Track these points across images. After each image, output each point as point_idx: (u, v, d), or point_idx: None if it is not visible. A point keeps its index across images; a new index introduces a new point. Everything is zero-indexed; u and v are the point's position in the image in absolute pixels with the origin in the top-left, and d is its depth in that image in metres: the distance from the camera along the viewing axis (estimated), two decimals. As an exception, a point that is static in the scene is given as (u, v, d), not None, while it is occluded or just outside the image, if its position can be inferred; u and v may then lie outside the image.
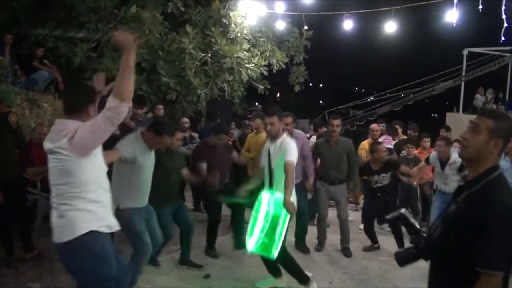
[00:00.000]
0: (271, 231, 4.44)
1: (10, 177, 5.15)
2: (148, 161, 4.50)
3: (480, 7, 7.38)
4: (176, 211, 5.38)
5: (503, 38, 9.11)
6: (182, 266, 5.52)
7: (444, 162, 6.25)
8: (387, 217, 2.42)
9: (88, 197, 2.96)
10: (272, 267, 4.90)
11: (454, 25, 8.06)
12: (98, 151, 3.02)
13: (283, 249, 4.61)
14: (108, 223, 3.09)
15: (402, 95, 14.85)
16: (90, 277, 2.99)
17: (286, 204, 4.39)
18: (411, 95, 14.43)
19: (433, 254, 2.17)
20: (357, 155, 7.24)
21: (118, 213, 4.27)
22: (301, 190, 5.68)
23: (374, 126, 8.00)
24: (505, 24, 7.76)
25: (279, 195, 4.55)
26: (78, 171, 2.88)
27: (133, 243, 4.40)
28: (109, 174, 3.77)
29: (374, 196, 6.42)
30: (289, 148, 4.64)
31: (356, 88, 40.81)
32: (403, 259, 2.28)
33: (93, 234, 2.94)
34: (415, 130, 8.84)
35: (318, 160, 6.54)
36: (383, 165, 6.30)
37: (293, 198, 4.60)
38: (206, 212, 6.65)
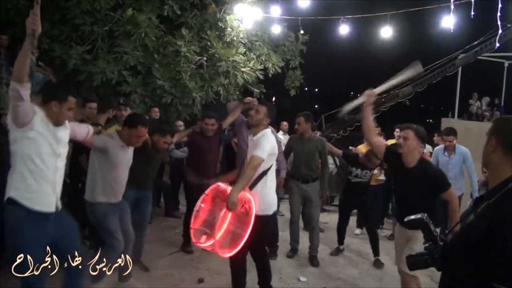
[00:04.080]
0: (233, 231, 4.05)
1: (3, 179, 5.09)
2: (123, 157, 4.48)
3: (473, 13, 7.42)
4: (138, 200, 5.25)
5: (497, 44, 9.14)
6: (174, 271, 5.49)
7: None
8: (406, 219, 2.35)
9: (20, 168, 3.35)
10: None
11: (452, 30, 8.09)
12: (46, 132, 3.37)
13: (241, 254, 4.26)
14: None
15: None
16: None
17: (230, 197, 3.87)
18: (383, 99, 14.46)
19: (447, 264, 2.08)
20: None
21: (91, 208, 4.40)
22: None
23: None
24: (500, 30, 7.80)
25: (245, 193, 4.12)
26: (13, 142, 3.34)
27: (105, 238, 4.36)
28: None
29: (351, 192, 6.42)
30: (261, 143, 4.25)
31: (352, 93, 40.84)
32: (414, 263, 2.19)
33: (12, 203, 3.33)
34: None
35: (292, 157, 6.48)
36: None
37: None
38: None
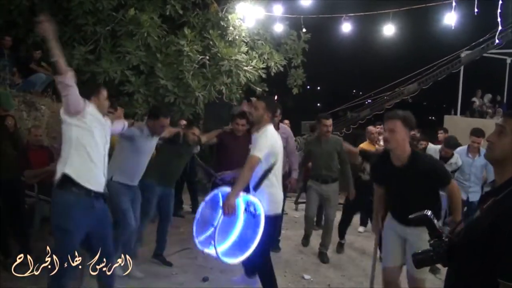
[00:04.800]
0: (244, 238, 4.01)
1: (8, 180, 5.13)
2: (147, 146, 4.99)
3: (476, 10, 7.41)
4: (163, 197, 5.55)
5: (497, 41, 9.14)
6: (178, 270, 5.51)
7: (444, 159, 6.33)
8: (410, 217, 2.34)
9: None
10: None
11: (453, 27, 8.08)
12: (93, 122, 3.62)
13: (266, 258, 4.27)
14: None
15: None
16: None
17: (226, 201, 3.83)
18: (386, 97, 14.47)
19: (452, 260, 2.08)
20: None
21: (109, 184, 4.57)
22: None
23: (370, 128, 7.78)
24: (500, 27, 7.79)
25: (251, 197, 4.09)
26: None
27: (116, 217, 4.58)
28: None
29: (359, 192, 6.28)
30: (259, 142, 4.09)
31: (354, 91, 40.76)
32: (420, 260, 2.18)
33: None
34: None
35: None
36: None
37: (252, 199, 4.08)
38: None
